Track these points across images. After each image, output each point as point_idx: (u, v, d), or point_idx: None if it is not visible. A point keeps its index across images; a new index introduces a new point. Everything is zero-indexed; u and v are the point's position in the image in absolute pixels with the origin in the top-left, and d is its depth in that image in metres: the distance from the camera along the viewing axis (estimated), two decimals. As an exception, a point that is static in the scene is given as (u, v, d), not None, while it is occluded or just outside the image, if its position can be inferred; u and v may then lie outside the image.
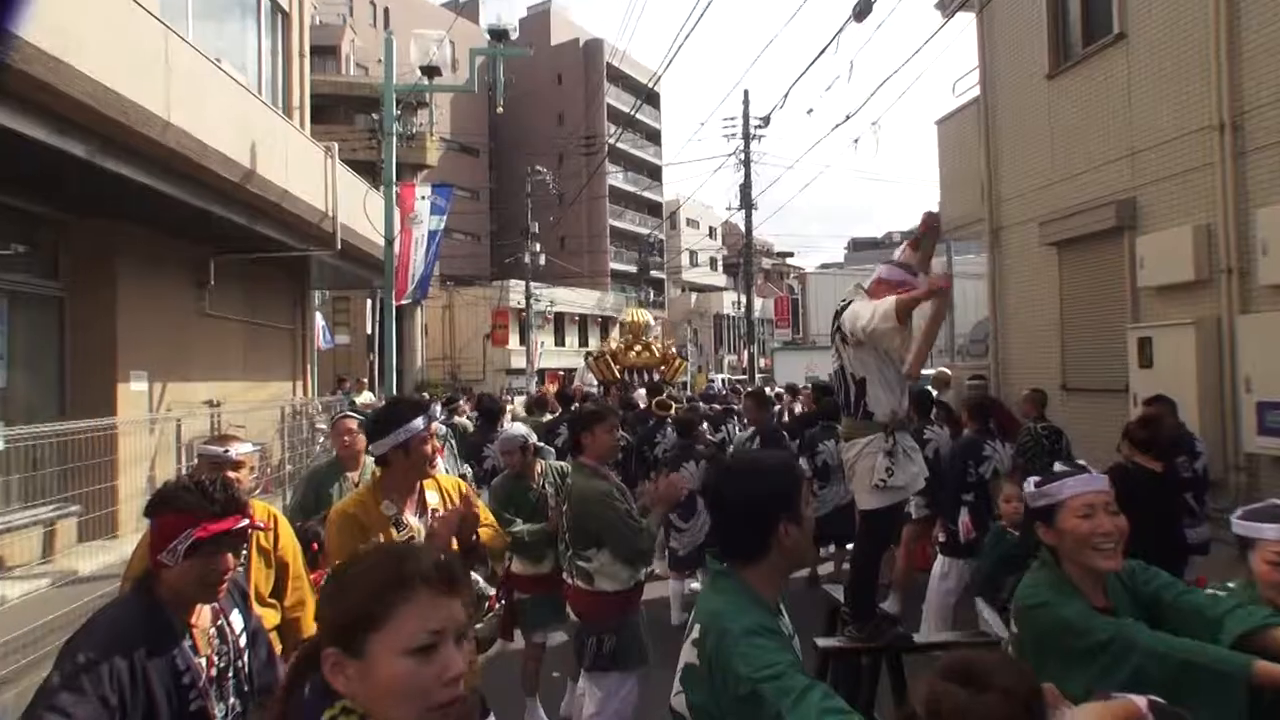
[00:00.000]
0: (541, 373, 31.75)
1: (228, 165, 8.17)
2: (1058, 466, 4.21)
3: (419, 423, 2.87)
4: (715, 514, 1.94)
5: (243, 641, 2.12)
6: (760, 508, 1.83)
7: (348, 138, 21.65)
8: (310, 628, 3.01)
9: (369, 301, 21.34)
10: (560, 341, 38.87)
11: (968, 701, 1.36)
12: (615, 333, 37.98)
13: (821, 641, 4.04)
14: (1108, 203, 7.79)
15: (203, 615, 2.04)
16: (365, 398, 14.46)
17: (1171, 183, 7.11)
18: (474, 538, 2.90)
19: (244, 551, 2.93)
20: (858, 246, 64.80)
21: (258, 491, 7.83)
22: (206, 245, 9.81)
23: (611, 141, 33.32)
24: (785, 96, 11.70)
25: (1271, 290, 6.16)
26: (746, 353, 31.19)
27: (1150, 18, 7.28)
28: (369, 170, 19.04)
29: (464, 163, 39.26)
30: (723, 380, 30.07)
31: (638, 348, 16.29)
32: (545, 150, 41.54)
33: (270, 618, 3.14)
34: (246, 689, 2.10)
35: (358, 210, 11.46)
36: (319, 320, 15.30)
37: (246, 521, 1.99)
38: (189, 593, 1.96)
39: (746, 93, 32.61)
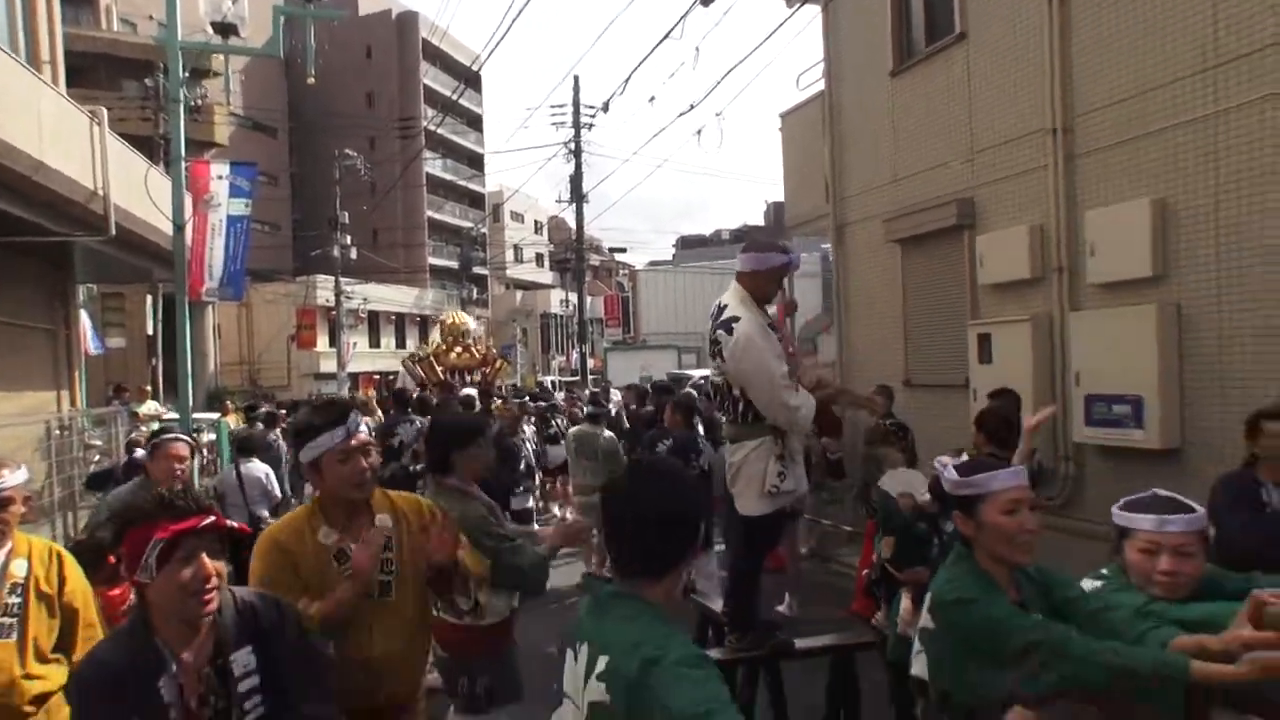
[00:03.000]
0: (355, 376, 30.25)
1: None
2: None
3: (333, 435, 2.52)
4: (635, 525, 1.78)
5: (248, 685, 2.01)
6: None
7: (114, 105, 19.56)
8: None
9: (149, 298, 19.35)
10: (375, 343, 37.18)
11: None
12: (436, 333, 36.80)
13: None
14: (948, 201, 8.30)
15: (202, 649, 1.97)
16: (149, 407, 13.13)
17: (1008, 183, 7.66)
18: (453, 564, 2.61)
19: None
20: (687, 244, 66.54)
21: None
22: (-64, 227, 8.47)
23: (430, 127, 32.12)
24: (626, 82, 11.75)
25: (1098, 289, 6.76)
26: (577, 353, 31.06)
27: (990, 19, 7.79)
28: (144, 146, 17.27)
29: (259, 143, 36.51)
30: (551, 382, 30.03)
31: (458, 349, 16.74)
32: (354, 133, 39.55)
33: (55, 676, 2.79)
34: None
35: (137, 191, 10.28)
36: (85, 320, 13.65)
37: (213, 519, 1.95)
38: (175, 608, 1.92)
39: (577, 79, 32.44)
